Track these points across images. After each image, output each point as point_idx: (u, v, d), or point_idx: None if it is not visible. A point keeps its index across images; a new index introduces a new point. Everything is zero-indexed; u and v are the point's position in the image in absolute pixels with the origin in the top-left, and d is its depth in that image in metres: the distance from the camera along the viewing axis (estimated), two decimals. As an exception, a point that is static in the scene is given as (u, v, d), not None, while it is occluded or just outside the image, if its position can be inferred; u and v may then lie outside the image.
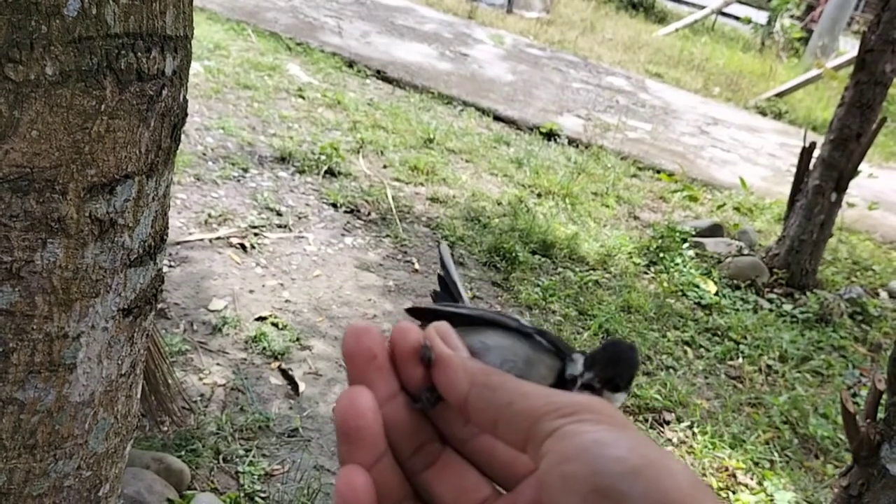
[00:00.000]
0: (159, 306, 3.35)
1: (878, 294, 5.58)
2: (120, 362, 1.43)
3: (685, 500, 0.45)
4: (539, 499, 0.51)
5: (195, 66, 6.37)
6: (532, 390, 0.51)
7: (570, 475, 0.46)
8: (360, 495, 0.51)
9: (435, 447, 0.57)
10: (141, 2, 1.20)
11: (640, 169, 7.08)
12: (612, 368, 0.66)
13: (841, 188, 5.11)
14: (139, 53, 1.22)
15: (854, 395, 4.12)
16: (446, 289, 0.88)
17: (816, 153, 5.20)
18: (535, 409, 0.50)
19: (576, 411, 0.48)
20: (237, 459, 2.85)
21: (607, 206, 5.99)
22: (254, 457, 2.87)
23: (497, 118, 7.55)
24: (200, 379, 3.18)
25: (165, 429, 2.86)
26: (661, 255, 5.26)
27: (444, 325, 0.57)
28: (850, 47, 12.21)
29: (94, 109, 1.17)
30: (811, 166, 5.20)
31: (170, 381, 2.84)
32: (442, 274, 0.90)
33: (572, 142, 7.28)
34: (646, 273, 5.12)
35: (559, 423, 0.48)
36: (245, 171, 5.04)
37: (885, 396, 2.30)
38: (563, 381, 0.65)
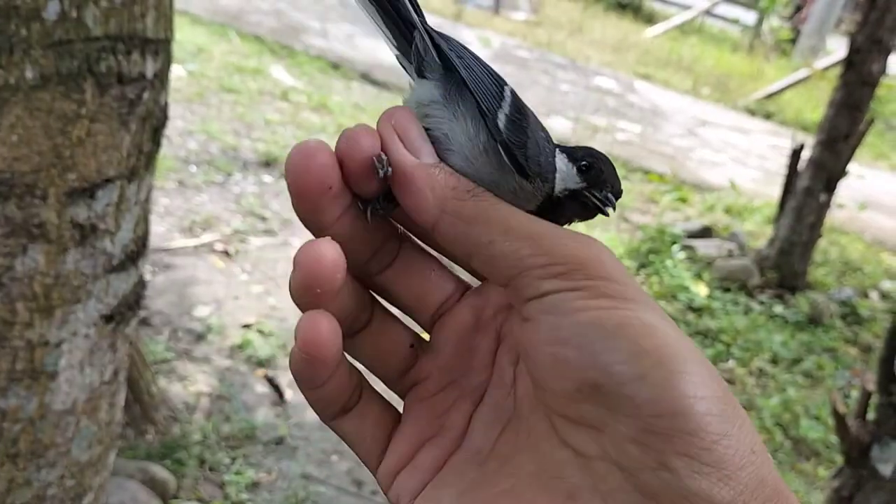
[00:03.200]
0: (142, 314, 3.33)
1: (868, 295, 5.58)
2: (102, 369, 1.41)
3: (704, 421, 0.39)
4: (526, 364, 0.48)
5: (178, 70, 6.34)
6: (517, 225, 0.46)
7: (562, 360, 0.43)
8: (323, 338, 0.46)
9: (392, 245, 0.53)
10: (121, 5, 1.18)
11: (629, 171, 7.07)
12: (611, 177, 0.54)
13: (830, 189, 5.11)
14: (119, 56, 1.20)
15: (846, 396, 4.12)
16: None
17: (806, 154, 5.20)
18: (521, 258, 0.45)
19: (570, 270, 0.44)
20: (223, 468, 2.82)
21: (597, 208, 5.98)
22: (240, 465, 2.85)
23: (486, 120, 7.52)
24: (185, 387, 3.15)
25: (150, 438, 2.83)
26: (652, 257, 5.25)
27: (402, 116, 0.49)
28: (838, 47, 12.25)
29: (74, 113, 1.16)
30: (801, 167, 5.20)
31: (153, 390, 2.81)
32: None
33: (561, 144, 7.26)
34: (636, 275, 5.11)
35: (550, 287, 0.44)
36: (229, 175, 5.01)
37: (875, 397, 2.30)
38: (554, 206, 0.52)
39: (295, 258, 0.45)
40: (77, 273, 1.27)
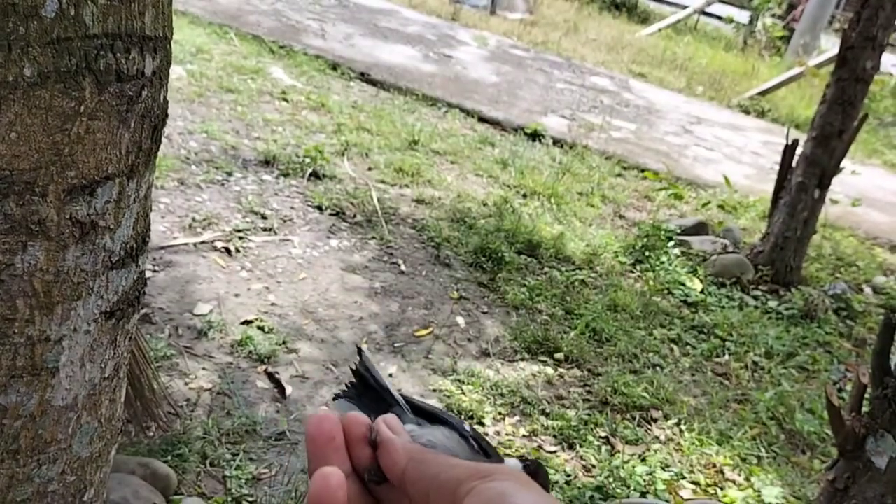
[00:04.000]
0: (144, 311, 3.34)
1: (862, 290, 5.61)
2: (103, 366, 1.42)
3: None
4: None
5: (178, 70, 6.36)
6: (459, 462, 0.58)
7: None
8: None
9: None
10: (119, 2, 1.19)
11: (624, 168, 7.09)
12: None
13: (824, 185, 5.13)
14: (118, 54, 1.21)
15: (840, 390, 4.14)
16: (367, 387, 0.86)
17: (799, 150, 5.22)
18: (458, 475, 0.56)
19: (491, 473, 0.55)
20: (224, 464, 2.84)
21: (593, 206, 6.01)
22: (241, 461, 2.86)
23: (482, 119, 7.56)
24: (186, 383, 3.17)
25: (151, 434, 2.85)
26: (647, 253, 5.27)
27: (391, 418, 0.66)
28: (831, 45, 12.28)
29: (73, 111, 1.16)
30: (794, 164, 5.22)
31: (155, 386, 2.82)
32: (363, 372, 0.86)
33: (557, 142, 7.29)
34: (632, 272, 5.13)
35: (476, 484, 0.54)
36: (229, 174, 5.02)
37: (869, 390, 2.31)
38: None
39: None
40: (77, 270, 1.27)
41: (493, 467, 0.56)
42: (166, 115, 1.42)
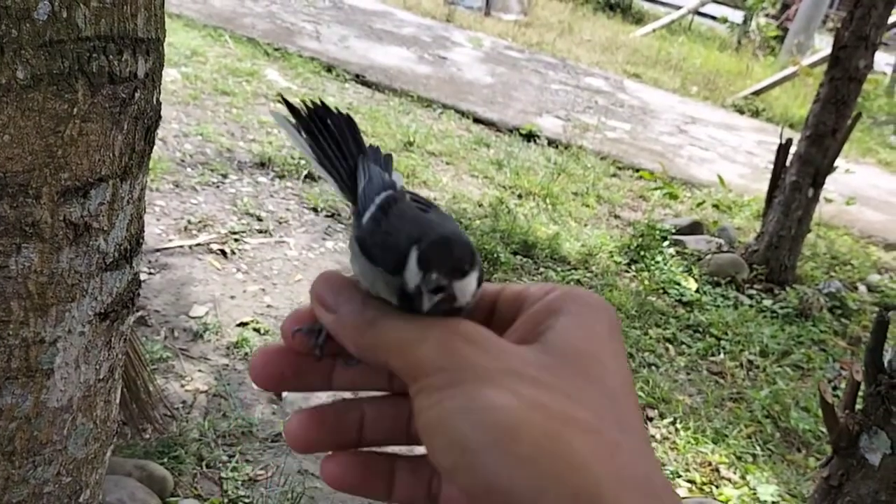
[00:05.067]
0: (139, 314, 3.34)
1: (856, 288, 5.62)
2: (98, 367, 1.43)
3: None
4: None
5: (172, 73, 6.35)
6: (393, 342, 0.49)
7: (437, 449, 0.44)
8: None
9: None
10: (112, 4, 1.19)
11: (619, 168, 7.10)
12: (448, 261, 0.51)
13: (818, 184, 5.14)
14: (111, 56, 1.21)
15: (835, 388, 4.15)
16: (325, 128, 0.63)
17: (793, 150, 5.23)
18: (401, 373, 0.48)
19: (424, 375, 0.46)
20: (220, 465, 2.84)
21: (588, 206, 6.01)
22: (237, 462, 2.87)
23: (477, 120, 7.56)
24: (182, 385, 3.17)
25: (147, 436, 2.85)
26: (642, 253, 5.28)
27: (318, 284, 0.54)
28: (825, 45, 12.30)
29: (66, 113, 1.17)
30: (788, 163, 5.23)
31: (151, 389, 2.82)
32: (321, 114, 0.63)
33: (552, 142, 7.30)
34: (627, 271, 5.14)
35: (417, 399, 0.46)
36: (224, 176, 5.02)
37: (863, 387, 2.32)
38: (407, 298, 0.52)
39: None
40: (71, 271, 1.28)
41: (422, 356, 0.47)
42: (160, 117, 1.43)
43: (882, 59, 13.15)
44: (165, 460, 2.76)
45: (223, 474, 2.81)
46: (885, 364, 2.24)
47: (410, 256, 0.51)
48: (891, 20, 5.40)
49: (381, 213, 0.56)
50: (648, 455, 0.45)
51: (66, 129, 1.18)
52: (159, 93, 1.40)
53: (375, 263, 0.53)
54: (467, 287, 0.51)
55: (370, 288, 0.54)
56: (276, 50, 8.03)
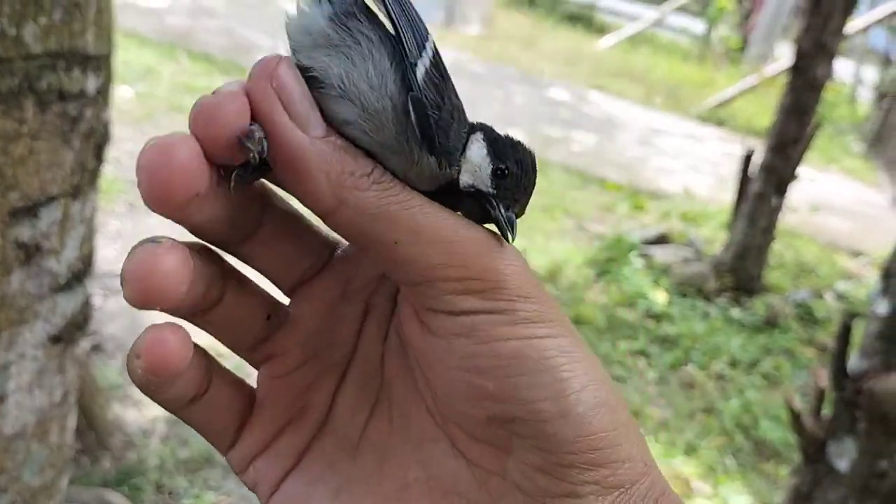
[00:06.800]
0: (94, 340, 3.27)
1: (823, 296, 5.65)
2: (52, 392, 1.39)
3: (615, 453, 0.42)
4: (428, 378, 0.44)
5: (126, 91, 6.27)
6: (427, 226, 0.40)
7: (478, 390, 0.41)
8: (172, 356, 0.43)
9: (254, 211, 0.45)
10: (61, 21, 1.17)
11: (585, 181, 7.11)
12: (524, 194, 0.44)
13: (782, 193, 5.17)
14: (60, 73, 1.20)
15: (804, 395, 4.16)
16: None
17: (757, 159, 5.26)
18: (431, 266, 0.40)
19: (488, 288, 0.40)
20: (181, 492, 2.77)
21: (554, 220, 6.01)
22: (199, 490, 2.80)
23: (441, 135, 7.53)
24: (140, 412, 3.09)
25: (105, 465, 2.78)
26: (610, 265, 5.28)
27: (287, 74, 0.41)
28: (786, 54, 12.46)
29: (15, 131, 1.14)
30: (752, 173, 5.26)
31: (108, 416, 2.76)
32: None
33: (517, 156, 7.29)
34: (595, 284, 5.13)
35: (467, 306, 0.40)
36: (183, 196, 4.95)
37: (829, 394, 2.33)
38: (451, 193, 0.43)
39: (136, 345, 0.42)
40: (23, 293, 1.24)
41: (489, 265, 0.41)
42: (110, 134, 1.40)
43: (843, 69, 13.35)
44: (124, 489, 2.69)
45: (185, 502, 2.74)
46: (850, 370, 2.25)
47: (483, 155, 0.44)
48: (850, 29, 5.46)
49: (439, 72, 0.45)
50: None
51: (15, 148, 1.15)
52: (109, 109, 1.38)
53: (428, 138, 0.42)
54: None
55: (378, 152, 0.41)
56: (233, 66, 7.96)
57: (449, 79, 0.46)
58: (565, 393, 0.41)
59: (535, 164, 0.46)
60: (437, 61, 0.45)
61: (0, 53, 1.09)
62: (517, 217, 0.44)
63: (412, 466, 0.45)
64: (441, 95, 0.44)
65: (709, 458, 3.59)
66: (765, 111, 10.85)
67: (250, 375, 0.54)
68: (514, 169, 0.44)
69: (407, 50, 0.43)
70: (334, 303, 0.49)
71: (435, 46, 0.46)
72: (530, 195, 0.45)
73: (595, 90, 11.09)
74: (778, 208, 5.22)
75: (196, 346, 0.45)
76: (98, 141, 1.34)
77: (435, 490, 0.44)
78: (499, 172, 0.44)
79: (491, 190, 0.44)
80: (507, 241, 0.43)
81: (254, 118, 0.40)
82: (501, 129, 0.49)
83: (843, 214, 7.79)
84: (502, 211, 0.43)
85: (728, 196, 6.01)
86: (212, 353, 0.49)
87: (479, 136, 0.45)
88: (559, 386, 0.41)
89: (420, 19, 0.45)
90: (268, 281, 0.51)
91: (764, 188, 5.15)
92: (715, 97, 11.40)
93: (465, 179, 0.44)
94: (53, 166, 1.23)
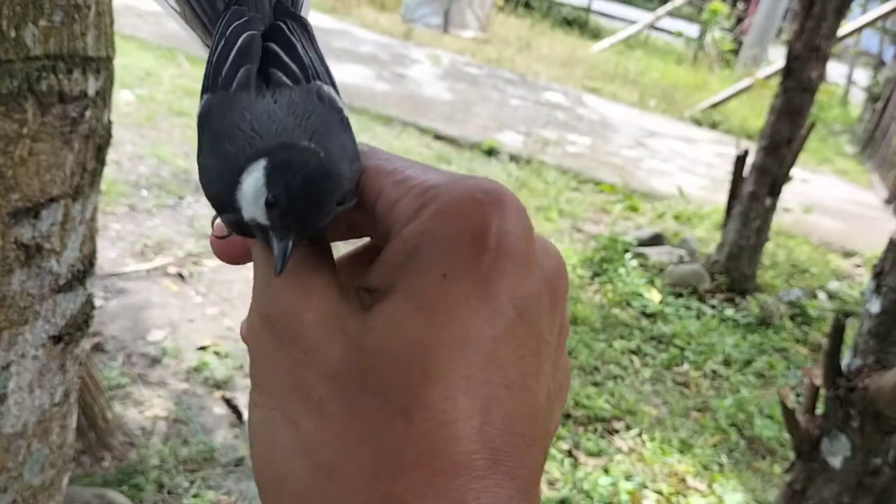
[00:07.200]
0: (96, 340, 3.29)
1: (816, 295, 5.69)
2: (52, 391, 1.40)
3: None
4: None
5: (126, 95, 6.29)
6: (257, 274, 0.43)
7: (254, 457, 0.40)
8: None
9: None
10: (61, 24, 1.18)
11: (580, 182, 7.15)
12: (297, 218, 0.40)
13: (775, 193, 5.21)
14: (60, 75, 1.20)
15: (797, 394, 4.19)
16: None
17: (750, 160, 5.30)
18: None
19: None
20: (182, 492, 2.79)
21: (550, 220, 6.04)
22: (199, 489, 2.82)
23: (437, 137, 7.56)
24: (141, 412, 3.11)
25: (106, 464, 2.79)
26: (605, 266, 5.31)
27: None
28: (779, 57, 12.51)
29: (15, 133, 1.15)
30: (746, 174, 5.29)
31: (109, 416, 2.78)
32: None
33: (513, 158, 7.33)
34: (590, 284, 5.16)
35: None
36: (181, 198, 4.97)
37: (822, 392, 2.35)
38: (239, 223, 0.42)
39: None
40: (23, 294, 1.25)
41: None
42: (110, 136, 1.41)
43: (836, 70, 13.40)
44: (125, 488, 2.71)
45: (185, 501, 2.76)
46: (843, 368, 2.27)
47: (256, 186, 0.41)
48: (843, 31, 5.50)
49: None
50: None
51: (15, 150, 1.16)
52: (110, 111, 1.39)
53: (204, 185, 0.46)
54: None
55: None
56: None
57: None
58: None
59: (311, 181, 0.40)
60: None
61: (0, 55, 1.11)
62: (305, 236, 0.41)
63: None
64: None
65: (703, 456, 3.62)
66: (758, 113, 10.92)
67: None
68: (281, 196, 0.40)
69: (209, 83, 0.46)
70: None
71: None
72: (309, 216, 0.40)
73: (590, 93, 11.13)
74: (771, 209, 5.26)
75: None
76: (98, 142, 1.35)
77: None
78: (269, 202, 0.40)
79: (266, 222, 0.41)
80: (276, 273, 0.39)
81: None
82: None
83: (836, 215, 7.83)
84: (275, 243, 0.40)
85: (721, 197, 6.04)
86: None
87: (261, 163, 0.41)
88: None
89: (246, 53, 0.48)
90: None
91: (757, 189, 5.19)
92: (708, 99, 11.45)
93: (246, 214, 0.42)
94: (54, 167, 1.23)
